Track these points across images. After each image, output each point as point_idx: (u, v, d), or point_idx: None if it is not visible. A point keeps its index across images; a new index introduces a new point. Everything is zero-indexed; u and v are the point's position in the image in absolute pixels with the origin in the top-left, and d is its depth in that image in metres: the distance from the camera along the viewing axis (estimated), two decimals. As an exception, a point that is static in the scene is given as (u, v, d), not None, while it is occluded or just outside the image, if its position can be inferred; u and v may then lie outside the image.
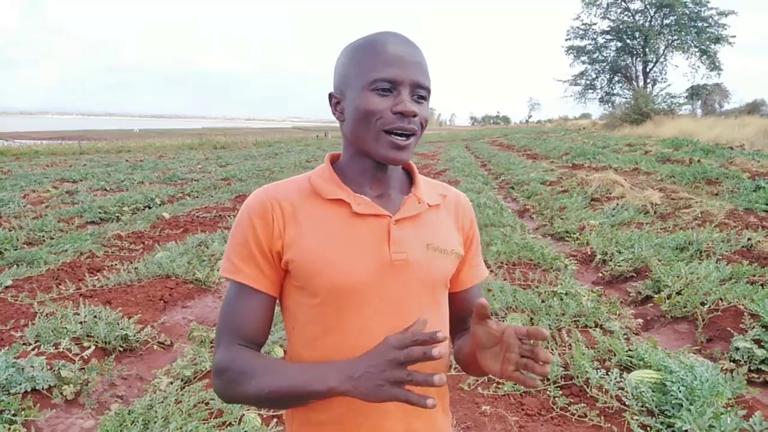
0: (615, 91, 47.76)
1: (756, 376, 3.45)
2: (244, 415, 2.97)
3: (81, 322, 4.04)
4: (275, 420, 2.97)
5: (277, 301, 1.13)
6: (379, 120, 1.01)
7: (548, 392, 3.23)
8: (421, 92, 1.03)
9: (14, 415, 2.96)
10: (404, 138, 1.02)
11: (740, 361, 3.55)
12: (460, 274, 1.22)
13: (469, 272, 1.24)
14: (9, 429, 2.87)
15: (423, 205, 1.11)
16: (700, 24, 41.59)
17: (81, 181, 14.18)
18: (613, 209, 8.48)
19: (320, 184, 1.09)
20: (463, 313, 1.25)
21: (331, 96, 1.10)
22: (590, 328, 4.04)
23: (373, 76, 1.01)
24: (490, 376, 1.14)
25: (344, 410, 1.05)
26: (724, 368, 3.46)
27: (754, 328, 3.77)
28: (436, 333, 0.89)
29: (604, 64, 47.31)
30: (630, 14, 45.13)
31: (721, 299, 4.29)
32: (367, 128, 1.02)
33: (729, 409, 2.80)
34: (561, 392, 3.21)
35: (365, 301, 1.05)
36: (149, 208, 9.98)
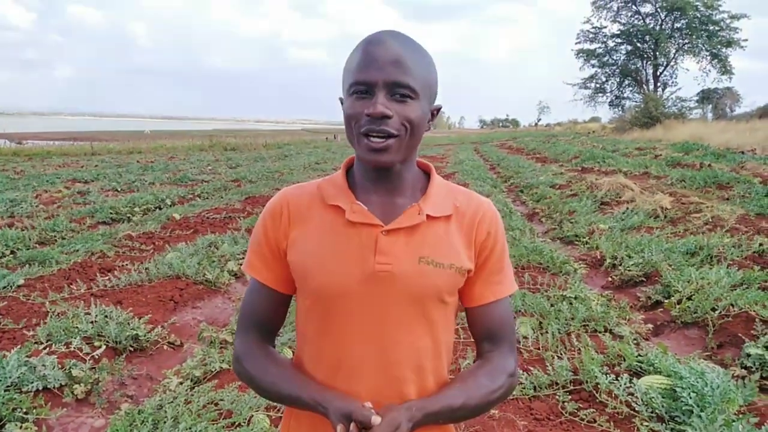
0: (625, 95, 47.53)
1: (768, 383, 3.41)
2: (253, 416, 2.98)
3: (92, 322, 4.07)
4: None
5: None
6: (356, 123, 1.02)
7: (557, 397, 3.22)
8: (401, 91, 1.00)
9: (26, 413, 2.99)
10: (381, 140, 1.00)
11: (752, 367, 3.52)
12: (475, 288, 1.15)
13: (486, 288, 1.15)
14: (21, 427, 2.90)
15: (421, 217, 1.08)
16: (711, 27, 41.28)
17: (92, 181, 14.28)
18: (623, 213, 8.44)
19: (326, 189, 1.12)
20: (481, 331, 1.18)
21: (340, 100, 1.12)
22: (600, 332, 4.02)
23: (350, 81, 1.02)
24: None
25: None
26: (735, 375, 3.42)
27: (766, 334, 3.74)
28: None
29: (614, 67, 47.09)
30: (640, 18, 44.93)
31: (732, 305, 4.26)
32: (351, 132, 1.04)
33: (741, 416, 2.77)
34: (570, 397, 3.20)
35: (348, 308, 1.07)
36: (160, 208, 10.04)
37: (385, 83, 0.99)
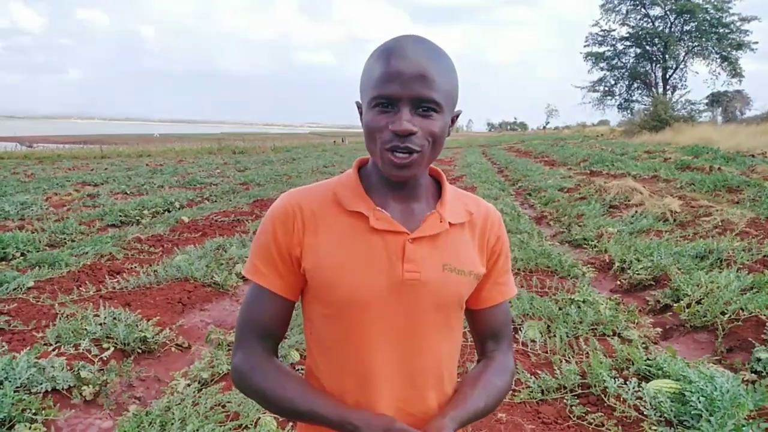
0: (634, 98, 47.35)
1: (778, 387, 3.38)
2: (260, 418, 2.98)
3: (101, 324, 4.10)
4: (290, 424, 2.98)
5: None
6: (380, 137, 0.99)
7: (565, 401, 3.20)
8: (425, 105, 0.97)
9: (35, 414, 3.01)
10: (405, 155, 0.98)
11: (762, 372, 3.49)
12: (483, 290, 1.17)
13: (494, 289, 1.18)
14: (30, 428, 2.92)
15: (444, 225, 1.08)
16: (721, 30, 41.07)
17: (102, 184, 14.41)
18: (632, 217, 8.40)
19: (343, 194, 1.08)
20: (485, 332, 1.21)
21: (357, 105, 1.09)
22: (608, 336, 4.00)
23: (373, 94, 0.99)
24: None
25: None
26: (745, 379, 3.39)
27: (776, 338, 3.71)
28: None
29: (623, 70, 46.92)
30: (650, 20, 44.77)
31: (742, 309, 4.21)
32: (373, 144, 1.02)
33: (751, 421, 2.74)
34: (578, 401, 3.18)
35: (374, 317, 1.05)
36: (169, 211, 10.12)
37: (410, 99, 0.96)
